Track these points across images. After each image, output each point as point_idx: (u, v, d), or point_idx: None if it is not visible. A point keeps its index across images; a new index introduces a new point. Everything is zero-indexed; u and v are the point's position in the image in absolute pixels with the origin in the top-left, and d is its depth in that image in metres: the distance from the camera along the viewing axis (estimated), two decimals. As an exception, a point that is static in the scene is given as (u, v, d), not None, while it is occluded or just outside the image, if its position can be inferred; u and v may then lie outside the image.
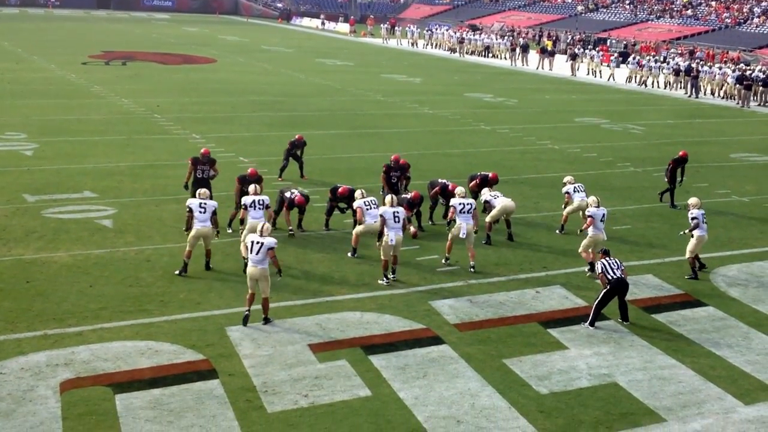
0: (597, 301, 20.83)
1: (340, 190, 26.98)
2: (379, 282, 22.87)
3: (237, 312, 20.72)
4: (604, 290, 20.71)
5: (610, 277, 20.64)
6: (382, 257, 22.94)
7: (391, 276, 23.10)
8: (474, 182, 29.13)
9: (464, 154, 40.64)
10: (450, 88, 67.07)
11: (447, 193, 27.79)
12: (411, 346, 19.40)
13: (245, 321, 20.22)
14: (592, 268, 24.35)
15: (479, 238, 26.46)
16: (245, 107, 52.46)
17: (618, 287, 20.68)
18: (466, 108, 56.30)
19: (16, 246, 24.89)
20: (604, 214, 24.66)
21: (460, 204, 24.76)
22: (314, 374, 17.84)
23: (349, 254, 25.04)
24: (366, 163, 36.95)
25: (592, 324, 20.71)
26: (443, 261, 24.88)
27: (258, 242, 20.33)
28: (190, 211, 23.45)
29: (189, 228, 23.76)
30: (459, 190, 25.77)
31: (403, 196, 27.29)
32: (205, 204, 23.45)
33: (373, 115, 52.14)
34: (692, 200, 24.84)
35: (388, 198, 23.46)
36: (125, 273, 23.15)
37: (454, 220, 24.78)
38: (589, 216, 24.64)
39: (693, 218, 24.15)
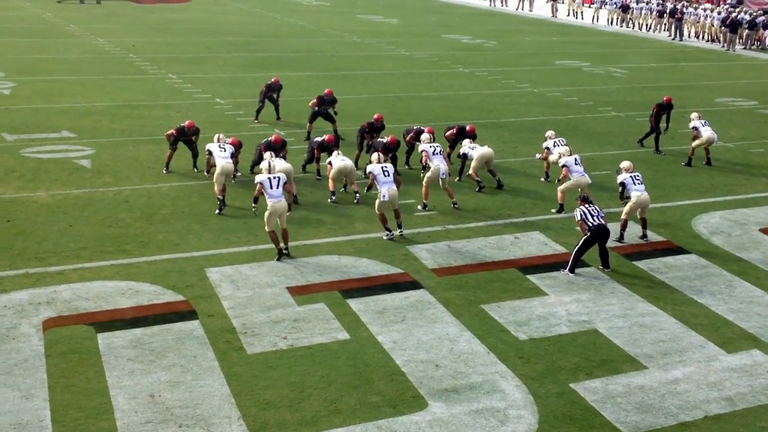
0: (577, 248, 20.79)
1: (326, 139, 26.79)
2: (384, 237, 22.36)
3: (216, 254, 20.77)
4: (584, 237, 20.69)
5: (590, 224, 20.61)
6: (377, 211, 22.43)
7: (397, 231, 22.64)
8: (450, 132, 28.92)
9: (442, 97, 40.50)
10: (427, 29, 66.81)
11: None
12: (389, 291, 19.40)
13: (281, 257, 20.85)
14: (561, 210, 24.72)
15: (472, 186, 26.85)
16: (220, 48, 52.18)
17: (598, 234, 20.62)
18: (444, 50, 56.07)
19: (-5, 185, 24.83)
20: (575, 159, 24.73)
21: (431, 147, 25.10)
22: (293, 317, 17.86)
23: (329, 200, 24.99)
24: (341, 106, 36.65)
25: (571, 271, 20.69)
26: (420, 207, 24.81)
27: (275, 177, 20.92)
28: (210, 153, 25.04)
29: (208, 170, 25.83)
30: (424, 136, 25.91)
31: (380, 140, 27.22)
32: (224, 145, 24.83)
33: (349, 56, 51.88)
34: (624, 164, 23.84)
35: (375, 156, 23.31)
36: (104, 213, 23.11)
37: (429, 165, 24.85)
38: (563, 166, 24.74)
39: (619, 183, 23.39)
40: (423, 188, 24.92)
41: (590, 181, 24.96)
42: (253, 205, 22.50)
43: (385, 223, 22.37)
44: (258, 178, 20.99)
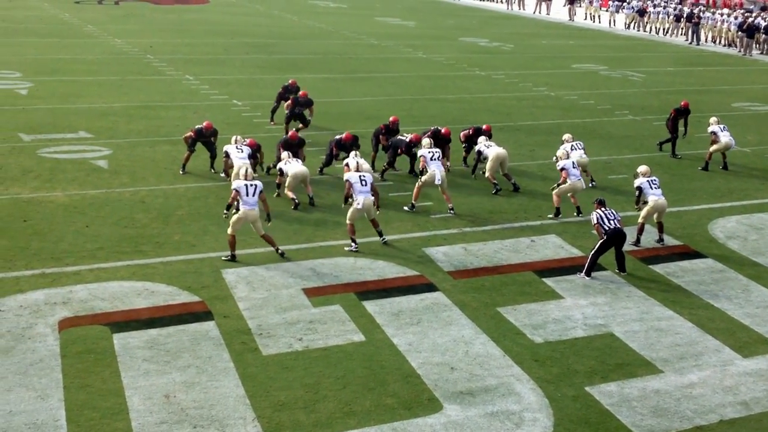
0: (593, 252, 20.74)
1: (344, 137, 26.80)
2: (346, 249, 21.78)
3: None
4: (601, 241, 20.65)
5: (606, 228, 20.56)
6: (348, 221, 21.98)
7: (380, 239, 22.23)
8: (465, 132, 29.05)
9: (459, 100, 40.49)
10: (444, 32, 66.81)
11: (438, 138, 27.80)
12: (404, 293, 19.39)
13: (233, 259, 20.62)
14: (557, 214, 24.58)
15: (489, 188, 26.78)
16: (238, 49, 52.27)
17: (615, 238, 20.58)
18: (461, 53, 56.07)
19: (12, 185, 24.95)
20: (573, 163, 24.64)
21: (429, 152, 24.95)
22: (308, 318, 17.87)
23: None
24: (358, 108, 36.88)
25: (587, 274, 20.64)
26: (408, 208, 24.80)
27: (252, 185, 20.68)
28: (227, 155, 25.20)
29: (226, 172, 26.08)
30: (425, 141, 25.75)
31: (401, 138, 27.37)
32: (241, 146, 24.95)
33: (367, 59, 51.93)
34: (641, 168, 23.82)
35: (353, 163, 23.10)
36: (121, 214, 23.17)
37: (426, 169, 24.76)
38: (561, 169, 24.59)
39: (636, 187, 23.35)
40: (415, 189, 24.90)
41: (584, 186, 24.88)
42: (225, 212, 22.11)
43: (353, 234, 21.90)
44: (235, 184, 20.90)
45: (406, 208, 24.79)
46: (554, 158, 27.51)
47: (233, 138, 25.41)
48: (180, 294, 18.63)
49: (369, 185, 22.01)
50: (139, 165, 27.48)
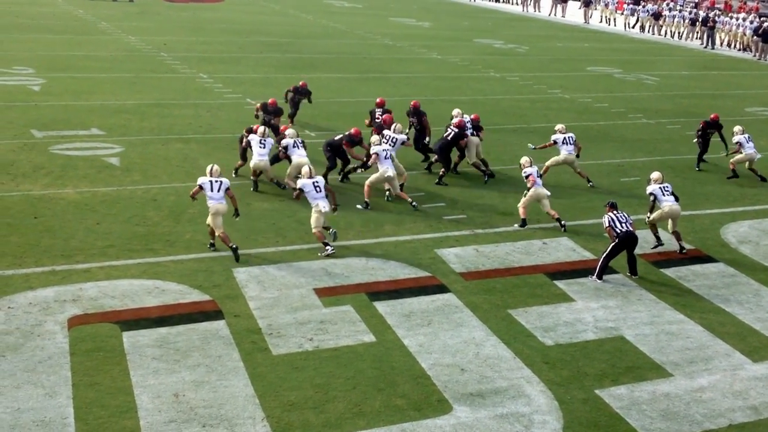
0: (605, 255, 20.69)
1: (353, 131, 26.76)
2: (319, 254, 21.21)
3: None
4: (612, 244, 20.59)
5: (618, 231, 20.51)
6: (314, 230, 21.35)
7: (329, 247, 21.40)
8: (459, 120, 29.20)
9: (473, 101, 40.33)
10: (459, 33, 66.75)
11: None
12: (416, 294, 19.37)
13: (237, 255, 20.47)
14: (524, 224, 24.10)
15: (499, 190, 26.94)
16: (252, 48, 52.27)
17: (626, 241, 20.53)
18: (476, 54, 56.03)
19: (24, 181, 24.93)
20: (537, 170, 24.39)
21: (383, 151, 24.99)
22: (319, 318, 17.84)
23: (359, 206, 24.75)
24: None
25: (599, 277, 20.59)
26: (362, 207, 24.64)
27: (217, 181, 20.73)
28: (249, 145, 25.05)
29: (244, 160, 25.99)
30: (374, 138, 25.84)
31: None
32: (265, 141, 24.87)
33: (381, 59, 51.89)
34: (653, 175, 23.47)
35: (305, 169, 22.18)
36: (132, 211, 23.15)
37: (378, 166, 24.92)
38: (527, 175, 24.19)
39: (649, 193, 23.03)
40: (365, 188, 24.86)
41: (549, 193, 24.42)
42: (192, 198, 21.85)
43: (323, 239, 21.35)
44: (200, 180, 20.90)
45: (359, 206, 24.62)
46: (552, 138, 27.67)
47: (260, 129, 25.38)
48: (190, 292, 18.62)
49: (323, 189, 21.64)
50: (151, 163, 27.47)
